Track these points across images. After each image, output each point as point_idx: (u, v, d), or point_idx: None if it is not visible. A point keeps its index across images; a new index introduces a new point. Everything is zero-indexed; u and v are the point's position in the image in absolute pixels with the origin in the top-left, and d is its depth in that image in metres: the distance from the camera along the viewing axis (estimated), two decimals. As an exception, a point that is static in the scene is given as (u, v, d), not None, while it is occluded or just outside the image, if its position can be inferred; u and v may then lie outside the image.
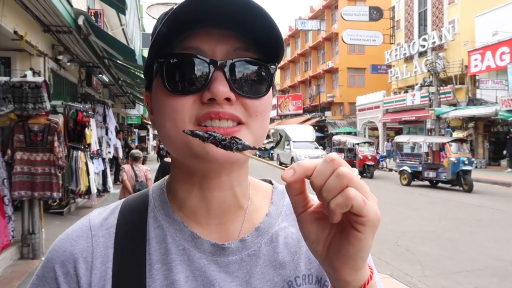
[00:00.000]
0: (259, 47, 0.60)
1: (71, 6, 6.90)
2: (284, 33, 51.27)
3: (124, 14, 6.41)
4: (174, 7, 0.59)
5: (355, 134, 32.67)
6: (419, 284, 5.00)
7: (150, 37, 0.65)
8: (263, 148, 0.56)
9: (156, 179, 6.17)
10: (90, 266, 0.59)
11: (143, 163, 7.34)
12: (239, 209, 0.65)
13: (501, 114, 17.99)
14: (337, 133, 30.80)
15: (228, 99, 0.56)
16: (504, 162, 20.28)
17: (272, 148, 0.56)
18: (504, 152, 19.58)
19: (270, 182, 0.75)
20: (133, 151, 7.14)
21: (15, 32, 5.92)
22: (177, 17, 0.54)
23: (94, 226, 0.63)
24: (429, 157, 16.08)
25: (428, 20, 27.07)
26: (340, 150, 21.74)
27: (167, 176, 0.70)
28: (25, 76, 5.23)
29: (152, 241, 0.62)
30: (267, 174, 0.60)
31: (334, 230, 0.50)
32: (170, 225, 0.63)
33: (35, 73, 5.75)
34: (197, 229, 0.63)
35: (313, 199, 0.52)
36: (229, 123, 0.57)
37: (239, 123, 0.58)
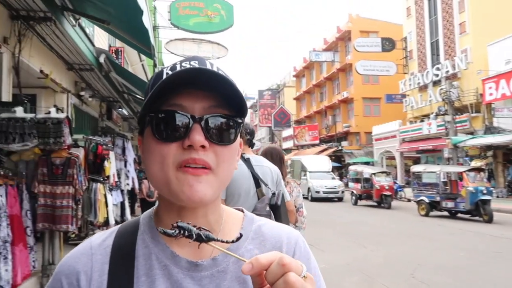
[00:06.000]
0: (229, 104, 0.75)
1: (93, 45, 7.32)
2: (299, 64, 52.15)
3: (152, 58, 6.72)
4: (166, 72, 0.75)
5: (373, 164, 32.38)
6: (435, 317, 4.93)
7: (146, 91, 0.80)
8: (231, 241, 0.66)
9: None
10: (90, 278, 0.74)
11: None
12: (212, 232, 0.78)
13: (520, 142, 17.76)
14: (354, 163, 30.58)
15: (203, 146, 0.71)
16: (526, 191, 19.81)
17: (238, 239, 0.66)
18: (525, 181, 19.15)
19: (242, 211, 0.88)
20: None
21: (41, 71, 6.29)
22: (167, 83, 0.70)
23: (94, 246, 0.78)
24: (447, 187, 15.83)
25: (441, 50, 27.29)
26: (356, 180, 21.60)
27: (155, 206, 0.85)
28: (49, 112, 5.52)
29: (140, 258, 0.76)
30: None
31: None
32: (155, 246, 0.77)
33: (58, 109, 6.07)
34: (176, 248, 0.77)
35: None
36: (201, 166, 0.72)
37: (210, 168, 0.73)
